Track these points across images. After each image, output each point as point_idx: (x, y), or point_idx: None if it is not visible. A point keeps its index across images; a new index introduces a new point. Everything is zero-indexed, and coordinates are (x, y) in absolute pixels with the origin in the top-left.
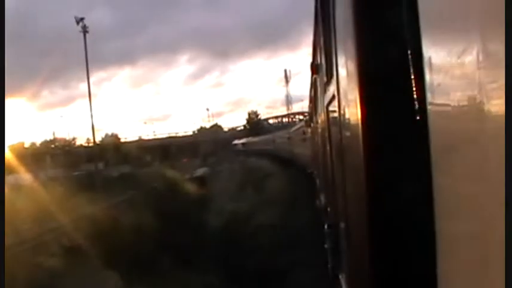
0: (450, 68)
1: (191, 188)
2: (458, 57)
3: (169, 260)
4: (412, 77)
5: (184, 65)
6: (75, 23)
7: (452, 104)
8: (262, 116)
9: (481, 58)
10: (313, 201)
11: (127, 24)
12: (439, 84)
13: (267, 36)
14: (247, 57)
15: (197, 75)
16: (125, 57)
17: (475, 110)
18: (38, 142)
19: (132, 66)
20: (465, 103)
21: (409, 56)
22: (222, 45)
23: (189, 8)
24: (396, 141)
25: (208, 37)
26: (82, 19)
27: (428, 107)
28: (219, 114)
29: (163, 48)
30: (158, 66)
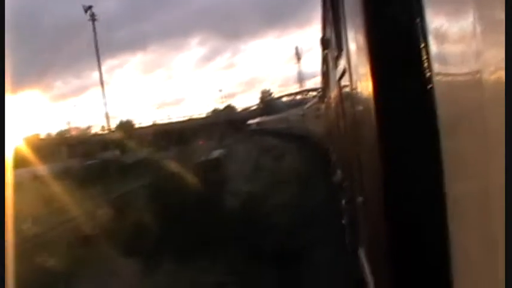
0: (458, 39)
1: (207, 170)
2: (465, 29)
3: (191, 239)
4: (422, 47)
5: (195, 47)
6: (84, 12)
7: (460, 74)
8: (276, 95)
9: (482, 26)
10: (330, 177)
11: (136, 10)
12: (447, 56)
13: (277, 14)
14: (257, 36)
15: (208, 58)
16: (136, 43)
17: (480, 80)
18: (53, 133)
19: (143, 51)
20: (471, 74)
21: (419, 28)
22: (232, 26)
23: None
24: (408, 113)
25: (218, 18)
26: (90, 7)
27: (437, 77)
28: (232, 95)
29: (174, 32)
30: (169, 51)
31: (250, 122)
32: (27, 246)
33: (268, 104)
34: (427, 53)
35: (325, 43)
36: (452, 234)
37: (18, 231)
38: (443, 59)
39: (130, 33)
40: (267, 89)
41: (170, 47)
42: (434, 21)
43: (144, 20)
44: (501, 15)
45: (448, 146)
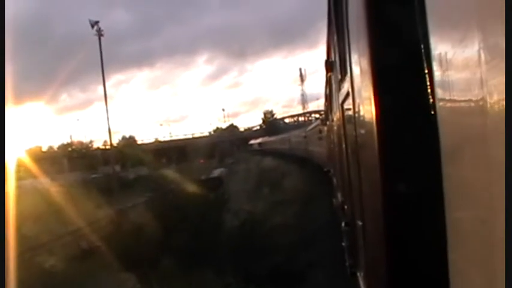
0: (460, 64)
1: (208, 188)
2: (467, 54)
3: (186, 258)
4: (425, 73)
5: (202, 65)
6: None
7: (463, 99)
8: (278, 116)
9: (487, 54)
10: (331, 200)
11: (146, 26)
12: (450, 81)
13: (285, 35)
14: (265, 56)
15: (215, 76)
16: (143, 59)
17: (484, 105)
18: (56, 146)
19: (150, 67)
20: (474, 101)
21: (422, 53)
22: (240, 45)
23: (207, 8)
24: (410, 138)
25: (227, 37)
26: (97, 22)
27: (440, 103)
28: (236, 115)
29: (182, 49)
30: (176, 68)
31: (252, 142)
32: (28, 255)
33: (270, 124)
34: (431, 79)
35: (329, 66)
36: (451, 261)
37: (21, 241)
38: (447, 86)
39: (138, 48)
40: (270, 109)
41: (177, 63)
42: (439, 47)
43: (153, 36)
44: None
45: (450, 172)
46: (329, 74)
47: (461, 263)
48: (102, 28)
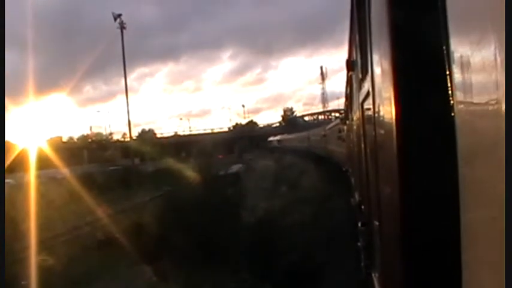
0: (480, 67)
1: (226, 184)
2: (488, 58)
3: (203, 254)
4: (447, 75)
5: (226, 61)
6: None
7: (481, 102)
8: (298, 113)
9: (503, 55)
10: (348, 199)
11: (172, 20)
12: (469, 83)
13: (310, 33)
14: (289, 54)
15: (239, 72)
16: (168, 53)
17: (499, 107)
18: (76, 137)
19: (175, 62)
20: (491, 104)
21: (443, 55)
22: (265, 42)
23: (234, 4)
24: (430, 140)
25: (253, 34)
26: (119, 15)
27: (459, 105)
28: (257, 111)
29: (207, 44)
30: (201, 62)
31: (271, 138)
32: (45, 245)
33: (290, 121)
34: (451, 81)
35: (350, 65)
36: (464, 263)
37: (40, 231)
38: (466, 88)
39: (163, 42)
40: (290, 106)
41: (202, 58)
42: (459, 49)
43: (179, 31)
44: None
45: (466, 174)
46: (350, 73)
47: (474, 264)
48: (126, 21)
